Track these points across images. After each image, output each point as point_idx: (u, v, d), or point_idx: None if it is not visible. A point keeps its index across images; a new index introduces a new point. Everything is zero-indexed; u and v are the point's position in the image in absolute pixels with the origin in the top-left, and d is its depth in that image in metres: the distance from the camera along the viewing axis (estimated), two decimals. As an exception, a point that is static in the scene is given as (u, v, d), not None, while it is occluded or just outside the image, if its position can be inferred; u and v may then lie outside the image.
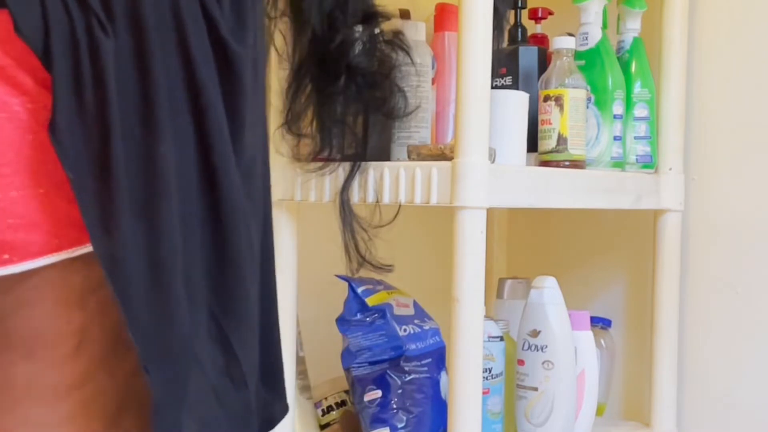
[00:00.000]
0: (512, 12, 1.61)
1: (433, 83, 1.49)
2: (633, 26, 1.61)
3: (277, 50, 1.42)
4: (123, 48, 0.76)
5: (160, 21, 0.78)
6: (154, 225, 0.77)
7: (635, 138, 1.59)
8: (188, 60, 0.79)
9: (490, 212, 1.31)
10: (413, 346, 1.49)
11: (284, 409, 0.94)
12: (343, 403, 1.62)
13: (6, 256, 0.73)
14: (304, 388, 1.59)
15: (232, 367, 0.84)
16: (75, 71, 0.74)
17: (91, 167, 0.75)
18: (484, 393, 1.36)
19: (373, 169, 1.39)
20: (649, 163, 1.61)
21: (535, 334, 1.47)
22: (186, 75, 0.79)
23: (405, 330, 1.49)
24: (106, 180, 0.74)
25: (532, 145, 1.49)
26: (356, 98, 1.38)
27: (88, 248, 0.76)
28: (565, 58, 1.50)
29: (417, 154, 1.39)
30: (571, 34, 1.54)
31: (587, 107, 1.52)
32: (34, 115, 0.74)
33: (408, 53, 1.41)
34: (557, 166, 1.47)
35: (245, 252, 0.85)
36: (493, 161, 1.35)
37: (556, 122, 1.47)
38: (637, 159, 1.60)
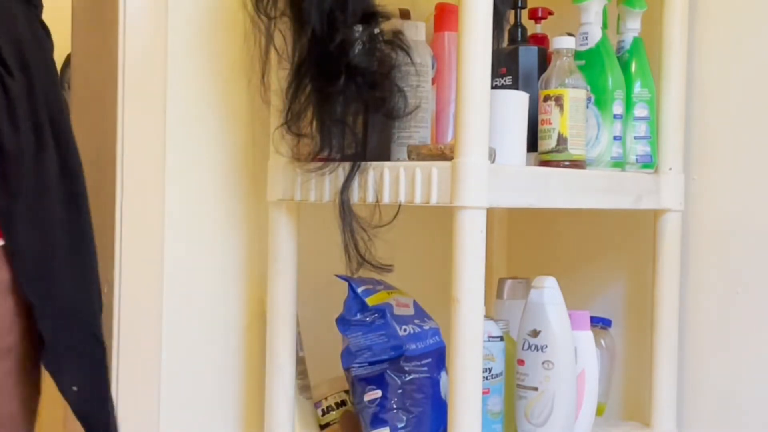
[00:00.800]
0: (512, 12, 1.61)
1: (433, 83, 1.49)
2: (633, 26, 1.61)
3: (277, 50, 1.42)
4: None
5: None
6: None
7: (635, 138, 1.59)
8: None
9: (490, 212, 1.31)
10: (413, 346, 1.49)
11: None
12: (343, 403, 1.62)
13: None
14: (304, 388, 1.59)
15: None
16: None
17: None
18: (484, 393, 1.36)
19: (373, 169, 1.39)
20: (649, 163, 1.61)
21: (535, 334, 1.47)
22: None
23: (405, 330, 1.49)
24: None
25: (532, 145, 1.49)
26: (356, 98, 1.38)
27: None
28: (565, 58, 1.50)
29: (417, 154, 1.39)
30: (571, 34, 1.54)
31: (587, 107, 1.52)
32: None
33: (408, 53, 1.41)
34: (557, 166, 1.47)
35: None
36: (493, 161, 1.35)
37: (556, 122, 1.47)
38: (637, 159, 1.60)
